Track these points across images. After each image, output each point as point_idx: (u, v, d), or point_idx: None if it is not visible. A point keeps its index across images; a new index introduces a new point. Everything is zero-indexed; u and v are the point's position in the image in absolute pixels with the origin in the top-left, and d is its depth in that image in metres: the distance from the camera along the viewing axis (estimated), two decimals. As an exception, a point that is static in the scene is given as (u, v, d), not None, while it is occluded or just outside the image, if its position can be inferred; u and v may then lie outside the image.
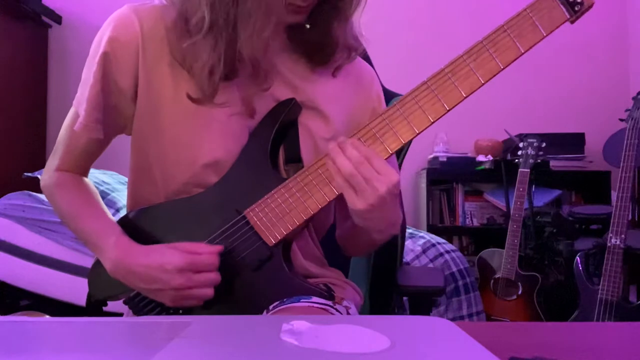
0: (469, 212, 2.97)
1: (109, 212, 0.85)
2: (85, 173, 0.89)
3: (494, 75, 0.72)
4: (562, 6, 0.70)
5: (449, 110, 0.72)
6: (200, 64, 0.73)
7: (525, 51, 0.71)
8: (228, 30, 0.72)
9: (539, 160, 2.36)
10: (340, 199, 0.74)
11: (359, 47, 0.86)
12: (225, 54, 0.73)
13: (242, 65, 0.76)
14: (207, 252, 0.73)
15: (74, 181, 0.86)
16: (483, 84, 0.72)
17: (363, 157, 0.69)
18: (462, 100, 0.72)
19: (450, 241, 2.59)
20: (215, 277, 0.73)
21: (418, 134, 0.73)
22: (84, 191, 0.86)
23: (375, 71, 0.97)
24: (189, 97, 0.75)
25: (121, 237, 0.78)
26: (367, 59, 1.02)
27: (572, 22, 0.72)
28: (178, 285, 0.71)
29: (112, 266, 0.76)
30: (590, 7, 0.70)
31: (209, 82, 0.74)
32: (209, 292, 0.73)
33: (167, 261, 0.71)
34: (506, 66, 0.71)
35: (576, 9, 0.70)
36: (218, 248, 0.74)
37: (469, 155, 2.94)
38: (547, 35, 0.71)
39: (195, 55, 0.74)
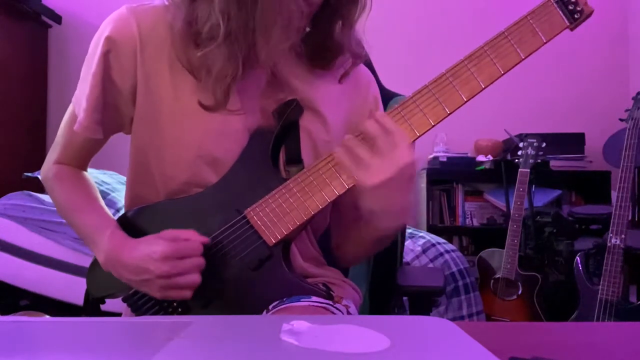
0: (469, 212, 2.97)
1: (105, 207, 0.85)
2: (84, 167, 0.89)
3: (495, 80, 0.73)
4: (561, 14, 0.71)
5: (449, 114, 0.73)
6: (215, 73, 0.72)
7: (526, 57, 0.72)
8: (246, 39, 0.71)
9: (539, 160, 2.36)
10: (334, 205, 0.72)
11: (362, 53, 0.85)
12: (243, 63, 0.72)
13: (258, 73, 0.76)
14: (191, 239, 0.73)
15: (72, 174, 0.86)
16: (483, 89, 0.73)
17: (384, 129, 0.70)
18: (463, 104, 0.73)
19: (450, 241, 2.59)
20: (199, 261, 0.73)
21: (419, 136, 0.73)
22: (82, 185, 0.86)
23: (377, 74, 0.96)
24: (202, 105, 0.75)
25: (116, 231, 0.78)
26: (368, 63, 1.02)
27: (572, 30, 0.73)
28: (163, 273, 0.71)
29: (105, 259, 0.77)
30: (589, 15, 0.72)
31: (224, 90, 0.73)
32: (196, 277, 0.73)
33: (153, 250, 0.71)
34: (506, 71, 0.72)
35: (575, 16, 0.71)
36: (203, 238, 0.74)
37: (469, 155, 2.94)
38: (547, 42, 0.72)
39: (209, 64, 0.72)
